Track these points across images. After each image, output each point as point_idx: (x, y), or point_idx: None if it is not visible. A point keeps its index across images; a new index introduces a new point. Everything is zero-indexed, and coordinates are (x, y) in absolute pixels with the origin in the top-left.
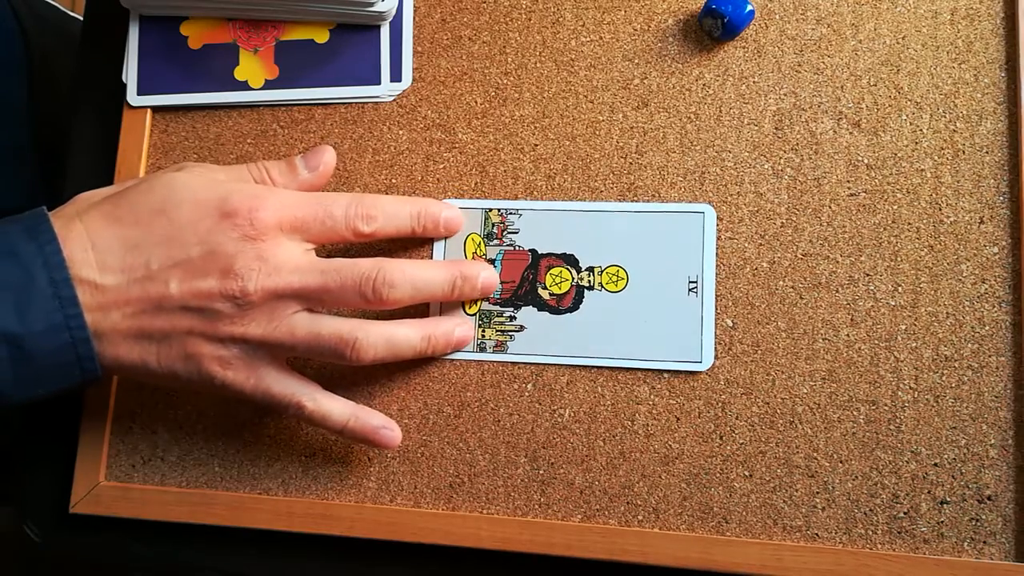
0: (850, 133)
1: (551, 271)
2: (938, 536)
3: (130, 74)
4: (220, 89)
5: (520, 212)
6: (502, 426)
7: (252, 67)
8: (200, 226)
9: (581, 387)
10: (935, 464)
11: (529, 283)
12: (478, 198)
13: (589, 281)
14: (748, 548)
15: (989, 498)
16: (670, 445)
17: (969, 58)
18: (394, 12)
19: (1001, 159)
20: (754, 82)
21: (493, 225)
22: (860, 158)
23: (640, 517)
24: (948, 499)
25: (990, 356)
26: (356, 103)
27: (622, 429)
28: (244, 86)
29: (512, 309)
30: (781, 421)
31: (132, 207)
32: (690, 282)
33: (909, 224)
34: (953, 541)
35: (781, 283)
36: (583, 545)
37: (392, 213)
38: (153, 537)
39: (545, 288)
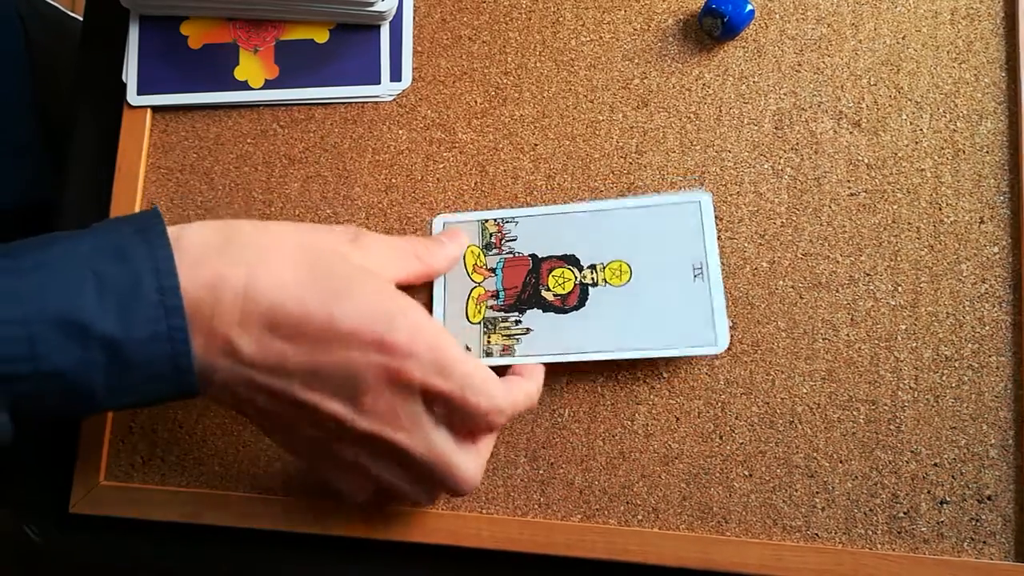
0: (850, 133)
1: (553, 273)
2: (938, 536)
3: (130, 74)
4: (220, 89)
5: (516, 220)
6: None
7: (252, 67)
8: (353, 345)
9: (581, 387)
10: (935, 464)
11: (532, 287)
12: (473, 209)
13: (592, 278)
14: (748, 548)
15: (989, 498)
16: (670, 445)
17: (969, 58)
18: (394, 12)
19: (1001, 159)
20: (754, 82)
21: (491, 235)
22: (860, 158)
23: (640, 517)
24: (948, 499)
25: (990, 356)
26: (356, 103)
27: (622, 429)
28: (244, 86)
29: (517, 314)
30: (781, 421)
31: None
32: (695, 268)
33: (909, 224)
34: (953, 541)
35: (781, 283)
36: (583, 545)
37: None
38: (153, 537)
39: (548, 290)
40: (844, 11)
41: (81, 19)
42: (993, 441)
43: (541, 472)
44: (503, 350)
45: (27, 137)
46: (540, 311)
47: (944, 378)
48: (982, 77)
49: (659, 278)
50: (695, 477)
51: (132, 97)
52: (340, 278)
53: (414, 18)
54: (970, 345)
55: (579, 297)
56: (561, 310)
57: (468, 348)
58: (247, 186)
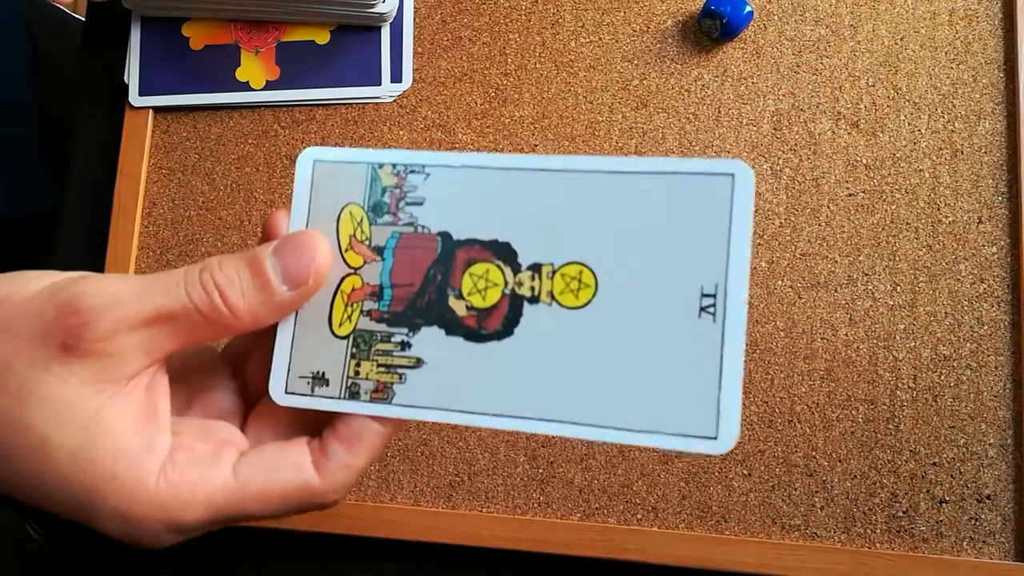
0: (848, 133)
1: (471, 269)
2: (937, 535)
3: (132, 75)
4: (221, 90)
5: (427, 169)
6: None
7: (253, 68)
8: None
9: None
10: (934, 463)
11: (435, 288)
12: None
13: (532, 288)
14: (747, 547)
15: (988, 497)
16: None
17: (967, 59)
18: (395, 13)
19: (999, 159)
20: (753, 83)
21: (384, 190)
22: (859, 158)
23: (639, 516)
24: (947, 498)
25: (989, 355)
26: (357, 104)
27: None
28: (245, 87)
29: (405, 330)
30: (780, 420)
31: None
32: (704, 295)
33: (908, 224)
34: (952, 540)
35: (780, 283)
36: (582, 543)
37: None
38: None
39: (461, 297)
40: (843, 12)
41: (83, 20)
42: (992, 440)
43: (540, 471)
44: (376, 391)
45: (28, 139)
46: (443, 332)
47: (943, 377)
48: (980, 78)
49: (640, 306)
50: (694, 476)
51: (134, 98)
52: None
53: (415, 19)
54: (969, 345)
55: (507, 317)
56: (475, 335)
57: (322, 377)
58: (248, 186)
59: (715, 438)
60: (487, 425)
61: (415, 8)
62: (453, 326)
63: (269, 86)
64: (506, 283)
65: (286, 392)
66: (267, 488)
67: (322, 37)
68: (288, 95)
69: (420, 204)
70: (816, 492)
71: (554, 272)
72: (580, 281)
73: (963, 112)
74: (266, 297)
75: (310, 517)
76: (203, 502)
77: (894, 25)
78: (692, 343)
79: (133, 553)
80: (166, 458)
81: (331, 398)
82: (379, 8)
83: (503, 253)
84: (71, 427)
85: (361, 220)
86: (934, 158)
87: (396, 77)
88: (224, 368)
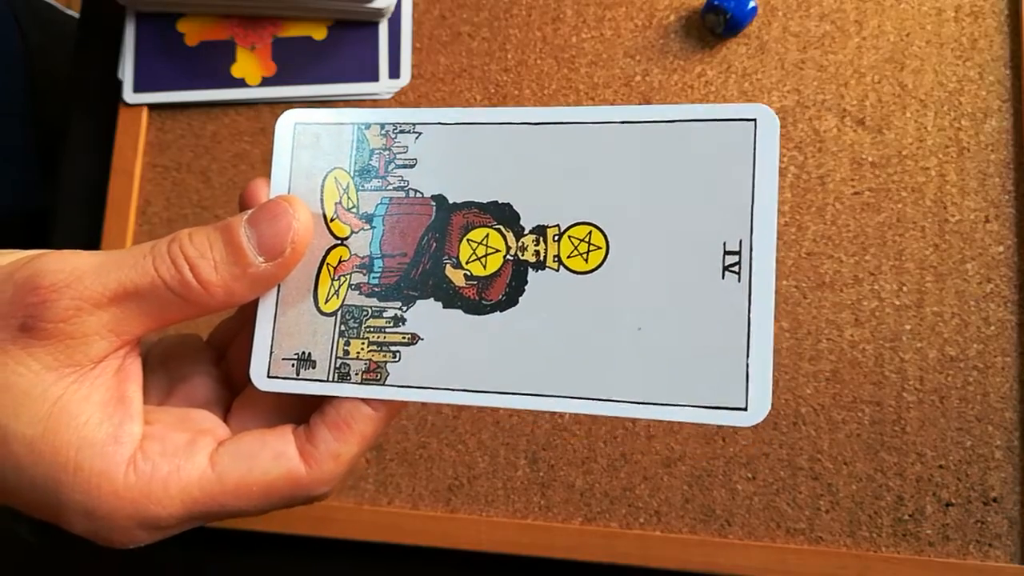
0: (854, 131)
1: (469, 235)
2: (943, 538)
3: (126, 71)
4: (217, 86)
5: (419, 128)
6: (501, 427)
7: (249, 64)
8: None
9: None
10: (940, 466)
11: (430, 257)
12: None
13: (537, 253)
14: (751, 551)
15: (995, 500)
16: (672, 446)
17: (974, 55)
18: (393, 8)
19: (1006, 157)
20: (757, 79)
21: (372, 152)
22: (864, 156)
23: (642, 520)
24: (953, 501)
25: (996, 356)
26: (354, 100)
27: (623, 430)
28: (241, 83)
29: (399, 304)
30: (785, 422)
31: None
32: (727, 253)
33: (914, 223)
34: (958, 543)
35: (785, 282)
36: (584, 548)
37: None
38: None
39: (459, 266)
40: (848, 8)
41: (77, 16)
42: (999, 443)
43: (541, 474)
44: (368, 371)
45: (21, 136)
46: (440, 304)
47: (949, 379)
48: (987, 75)
49: (657, 265)
50: (698, 479)
51: (128, 95)
52: None
53: (413, 14)
54: (975, 345)
55: (510, 286)
56: (476, 306)
57: (308, 358)
58: (244, 184)
59: (745, 409)
60: (492, 404)
61: (413, 3)
62: (451, 298)
63: (265, 83)
64: (508, 248)
65: (268, 376)
66: (248, 480)
67: (319, 33)
68: (284, 92)
69: (411, 166)
70: (821, 495)
71: (560, 234)
72: (589, 243)
73: (969, 109)
74: (240, 270)
75: (306, 520)
76: (177, 496)
77: (900, 21)
78: (716, 306)
79: (126, 555)
80: (136, 448)
81: (318, 381)
82: (377, 3)
83: (504, 216)
84: (31, 415)
85: (347, 186)
86: (940, 156)
87: (394, 73)
88: (209, 355)
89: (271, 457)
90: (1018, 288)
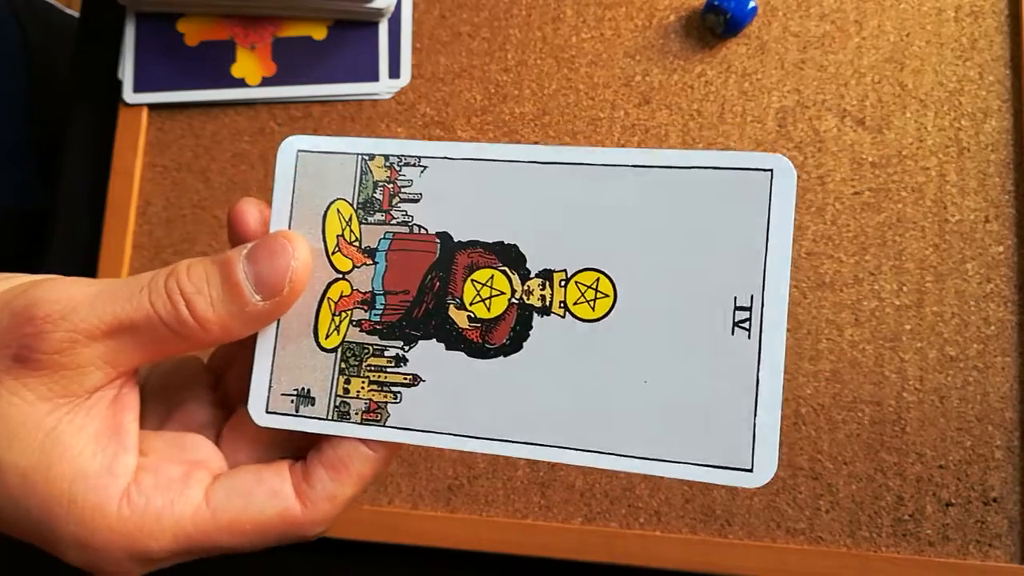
0: (854, 131)
1: (474, 276)
2: (943, 539)
3: (126, 71)
4: (217, 86)
5: (424, 161)
6: None
7: (249, 64)
8: None
9: None
10: (940, 466)
11: (434, 296)
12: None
13: (543, 298)
14: (751, 551)
15: (995, 500)
16: None
17: (974, 55)
18: (393, 8)
19: (1006, 157)
20: (757, 79)
21: (376, 185)
22: (864, 156)
23: (642, 520)
24: (953, 501)
25: (996, 356)
26: (354, 100)
27: None
28: (241, 83)
29: (400, 344)
30: (785, 422)
31: None
32: (738, 308)
33: (914, 223)
34: (958, 544)
35: None
36: (584, 548)
37: None
38: None
39: (463, 307)
40: (848, 8)
41: (77, 16)
42: (999, 443)
43: (541, 474)
44: (368, 411)
45: (21, 136)
46: (442, 346)
47: (949, 379)
48: (987, 75)
49: (665, 317)
50: None
51: (128, 95)
52: None
53: (413, 15)
54: (975, 345)
55: (514, 330)
56: (479, 350)
57: (307, 395)
58: (244, 185)
59: (750, 470)
60: (492, 451)
61: (413, 3)
62: (454, 339)
63: (265, 83)
64: (513, 291)
65: (267, 411)
66: (242, 518)
67: (319, 33)
68: (284, 92)
69: (416, 201)
70: (821, 495)
71: (567, 280)
72: (597, 290)
73: (969, 110)
74: (237, 308)
75: None
76: (170, 531)
77: (900, 21)
78: (724, 362)
79: None
80: (130, 481)
81: (317, 419)
82: (377, 3)
83: (510, 257)
84: (24, 446)
85: (350, 218)
86: (940, 156)
87: (394, 73)
88: (207, 379)
89: (266, 495)
90: (1018, 288)
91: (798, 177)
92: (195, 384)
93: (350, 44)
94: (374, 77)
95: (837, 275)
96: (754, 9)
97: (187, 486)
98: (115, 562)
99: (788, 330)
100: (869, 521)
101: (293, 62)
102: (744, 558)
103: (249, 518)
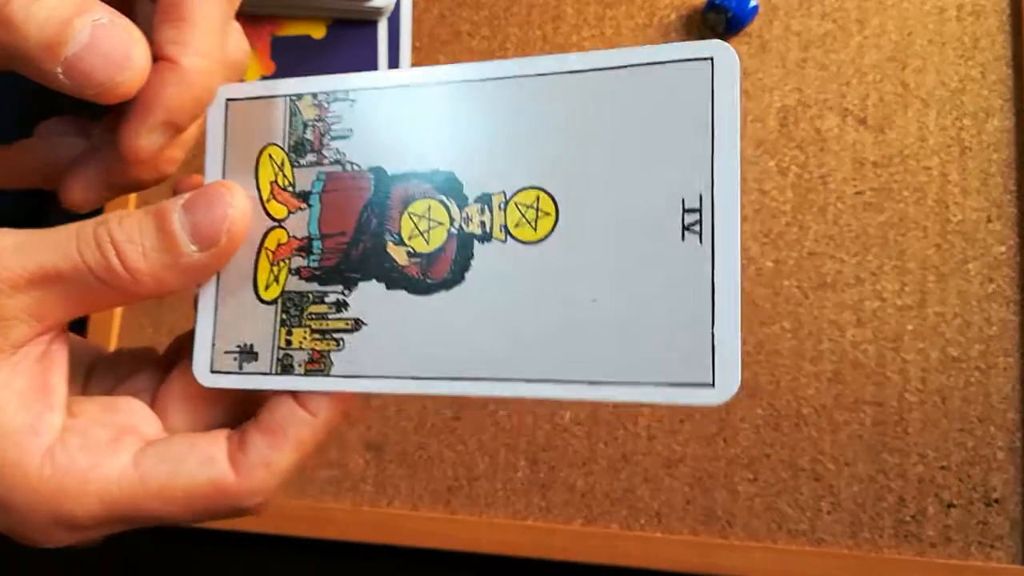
0: (856, 130)
1: (411, 208)
2: (945, 540)
3: None
4: None
5: (352, 95)
6: (501, 428)
7: (248, 63)
8: None
9: None
10: (942, 467)
11: (371, 235)
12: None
13: (482, 224)
14: (752, 552)
15: (996, 501)
16: (673, 448)
17: (976, 55)
18: (392, 7)
19: (1008, 157)
20: (759, 78)
21: (306, 125)
22: (866, 155)
23: (642, 521)
24: (955, 502)
25: (998, 357)
26: None
27: (624, 431)
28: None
29: (340, 288)
30: (786, 423)
31: None
32: (686, 211)
33: (916, 223)
34: (960, 545)
35: (786, 282)
36: (584, 549)
37: None
38: (148, 539)
39: (401, 242)
40: (849, 7)
41: None
42: (1001, 443)
43: (541, 475)
44: (311, 362)
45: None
46: (383, 285)
47: (951, 379)
48: (989, 74)
49: (611, 229)
50: (699, 480)
51: None
52: None
53: (413, 13)
54: (977, 346)
55: (455, 262)
56: (420, 285)
57: (250, 350)
58: None
59: (711, 384)
60: (443, 392)
61: (413, 2)
62: (394, 278)
63: None
64: (452, 220)
65: (212, 371)
66: (171, 484)
67: (318, 32)
68: None
69: (347, 137)
70: (823, 496)
71: (507, 202)
72: (538, 209)
73: (971, 109)
74: (172, 259)
75: (305, 521)
76: (95, 495)
77: (901, 20)
78: (676, 271)
79: (126, 554)
80: (55, 440)
81: (261, 374)
82: (376, 2)
83: (446, 185)
84: None
85: (282, 163)
86: (942, 155)
87: None
88: (162, 362)
89: (199, 462)
90: (1020, 288)
91: (800, 176)
92: (146, 366)
93: (349, 43)
94: None
95: (839, 275)
96: (755, 8)
97: (116, 450)
98: (39, 527)
99: (789, 330)
100: (871, 522)
101: (292, 61)
102: (745, 560)
103: (179, 485)
